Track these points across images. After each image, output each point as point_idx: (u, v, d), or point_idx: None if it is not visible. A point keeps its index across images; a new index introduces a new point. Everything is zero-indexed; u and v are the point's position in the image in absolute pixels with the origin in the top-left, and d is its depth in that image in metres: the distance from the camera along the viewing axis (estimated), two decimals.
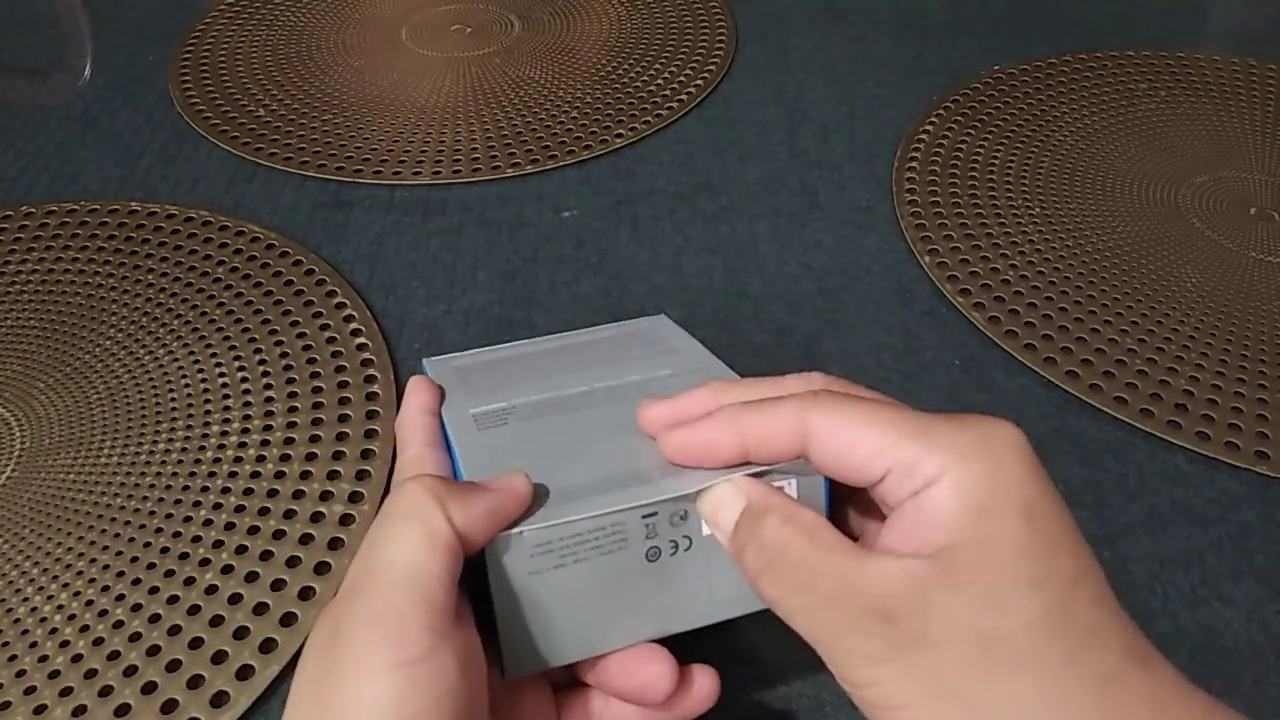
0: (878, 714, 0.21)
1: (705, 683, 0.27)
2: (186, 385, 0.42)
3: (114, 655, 0.33)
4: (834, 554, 0.22)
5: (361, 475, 0.39)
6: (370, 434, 0.40)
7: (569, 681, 0.28)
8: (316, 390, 0.42)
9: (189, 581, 0.35)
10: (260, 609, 0.34)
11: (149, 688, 0.32)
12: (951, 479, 0.21)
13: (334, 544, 0.36)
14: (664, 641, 0.27)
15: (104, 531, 0.37)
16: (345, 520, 0.37)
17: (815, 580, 0.22)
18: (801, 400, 0.24)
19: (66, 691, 0.32)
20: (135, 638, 0.33)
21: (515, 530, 0.24)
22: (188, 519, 0.37)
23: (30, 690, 0.32)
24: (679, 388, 0.28)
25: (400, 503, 0.24)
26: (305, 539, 0.36)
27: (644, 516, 0.25)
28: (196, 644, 0.33)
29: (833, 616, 0.21)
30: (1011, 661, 0.20)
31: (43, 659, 0.33)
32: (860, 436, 0.22)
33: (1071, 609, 0.20)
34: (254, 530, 0.37)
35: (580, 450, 0.28)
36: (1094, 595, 0.21)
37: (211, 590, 0.35)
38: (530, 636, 0.25)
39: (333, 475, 0.39)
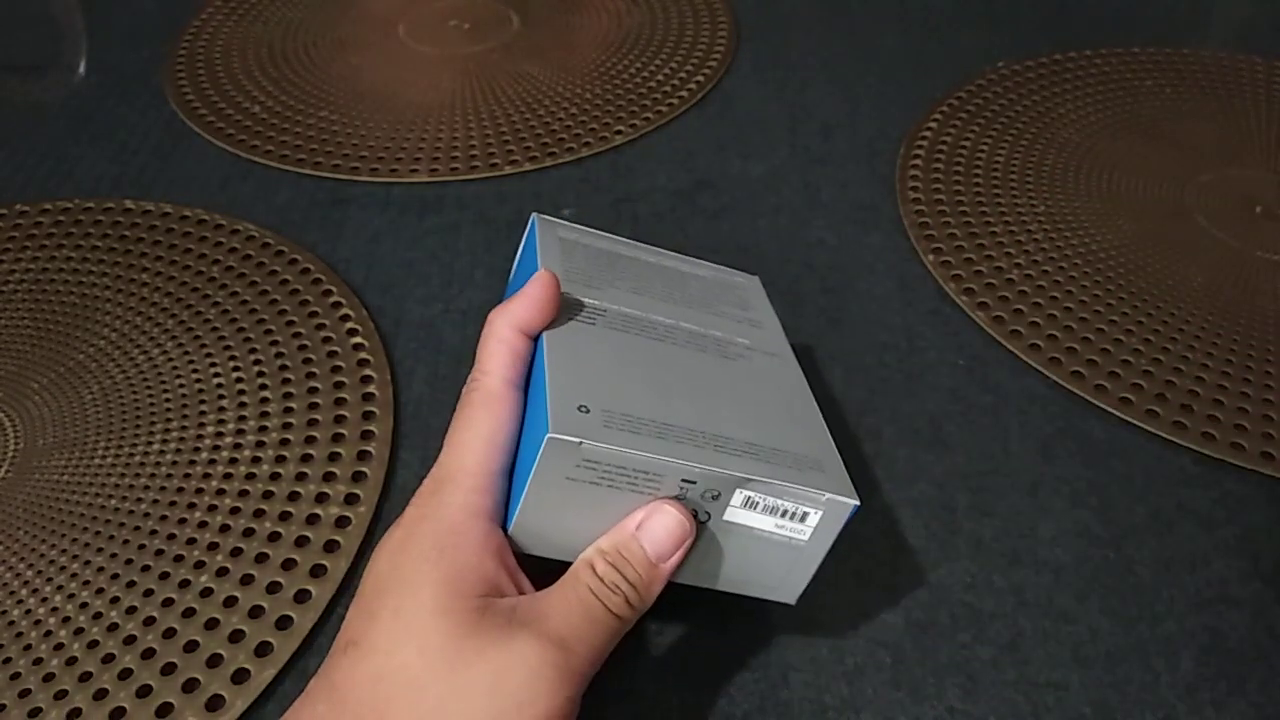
0: None
1: None
2: (181, 385, 0.42)
3: (109, 658, 0.33)
4: None
5: (358, 477, 0.38)
6: (367, 435, 0.40)
7: None
8: (312, 390, 0.42)
9: (184, 584, 0.35)
10: (256, 612, 0.34)
11: (144, 691, 0.32)
12: None
13: (330, 546, 0.36)
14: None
15: (98, 534, 0.36)
16: (341, 522, 0.37)
17: None
18: None
19: (61, 695, 0.32)
20: (130, 641, 0.33)
21: (575, 439, 0.26)
22: (183, 521, 0.37)
23: (25, 693, 0.32)
24: (752, 361, 0.33)
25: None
26: (301, 541, 0.36)
27: (683, 480, 0.27)
28: (192, 647, 0.33)
29: None
30: None
31: (37, 661, 0.33)
32: None
33: None
34: (249, 533, 0.36)
35: (655, 383, 0.29)
36: None
37: (206, 593, 0.34)
38: (541, 524, 0.27)
39: (329, 477, 0.38)
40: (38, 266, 0.48)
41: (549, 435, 0.26)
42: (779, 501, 0.28)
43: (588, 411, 0.27)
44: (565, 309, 0.31)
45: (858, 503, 0.28)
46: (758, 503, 0.28)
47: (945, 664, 0.33)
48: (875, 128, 0.58)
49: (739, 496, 0.28)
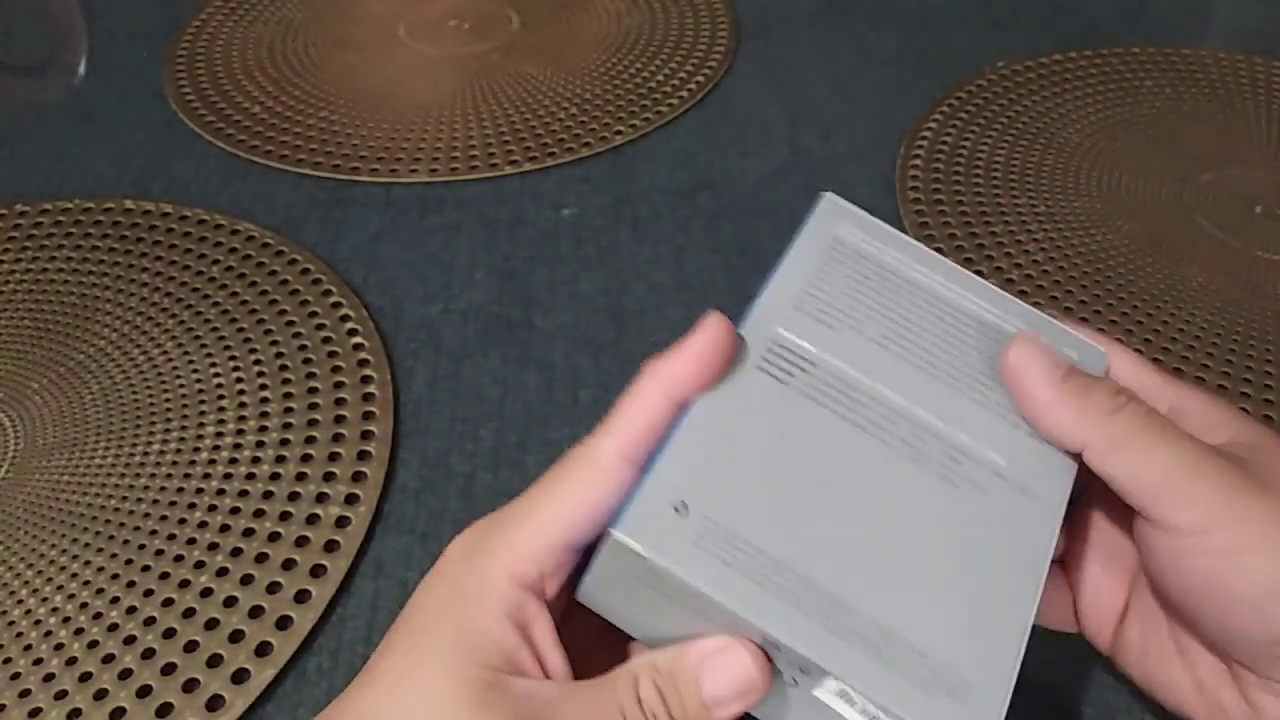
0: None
1: None
2: (181, 385, 0.42)
3: (109, 658, 0.33)
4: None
5: (358, 477, 0.38)
6: (366, 435, 0.40)
7: None
8: (312, 390, 0.42)
9: (184, 584, 0.35)
10: (256, 612, 0.34)
11: (144, 691, 0.32)
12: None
13: (330, 546, 0.36)
14: None
15: (98, 534, 0.36)
16: (341, 522, 0.37)
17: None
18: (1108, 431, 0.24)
19: (61, 695, 0.32)
20: (130, 641, 0.33)
21: (640, 550, 0.21)
22: (183, 521, 0.37)
23: (25, 694, 0.32)
24: (989, 497, 0.24)
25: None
26: (301, 541, 0.36)
27: (768, 639, 0.22)
28: (191, 647, 0.33)
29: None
30: None
31: (37, 661, 0.33)
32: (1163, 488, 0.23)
33: None
34: (249, 533, 0.36)
35: (806, 498, 0.23)
36: None
37: (206, 593, 0.34)
38: (608, 603, 0.24)
39: (329, 477, 0.38)
40: (38, 267, 0.49)
41: (610, 531, 0.21)
42: (880, 714, 0.21)
43: (685, 513, 0.22)
44: (760, 351, 0.25)
45: None
46: (855, 700, 0.21)
47: None
48: (875, 127, 0.58)
49: (832, 684, 0.21)
